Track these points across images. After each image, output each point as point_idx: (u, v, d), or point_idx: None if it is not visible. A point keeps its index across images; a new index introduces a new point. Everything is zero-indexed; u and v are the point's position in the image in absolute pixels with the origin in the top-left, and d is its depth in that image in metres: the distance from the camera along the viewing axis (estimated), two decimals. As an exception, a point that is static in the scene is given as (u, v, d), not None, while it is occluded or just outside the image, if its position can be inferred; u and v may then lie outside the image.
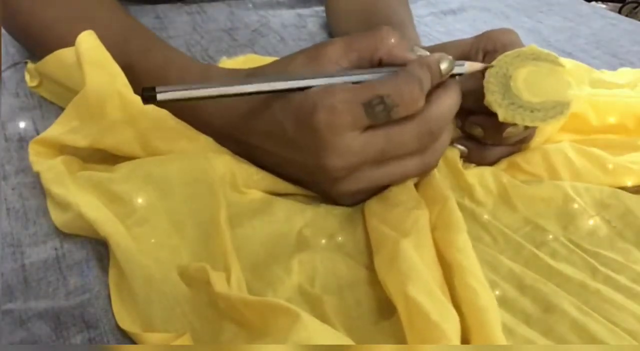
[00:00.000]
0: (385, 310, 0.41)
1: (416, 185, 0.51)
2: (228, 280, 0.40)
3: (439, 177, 0.51)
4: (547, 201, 0.52)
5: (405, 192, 0.49)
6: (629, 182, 0.55)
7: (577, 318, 0.41)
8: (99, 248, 0.45)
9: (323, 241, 0.46)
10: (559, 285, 0.44)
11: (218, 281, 0.39)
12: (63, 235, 0.46)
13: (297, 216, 0.48)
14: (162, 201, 0.46)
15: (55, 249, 0.45)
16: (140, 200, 0.45)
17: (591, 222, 0.50)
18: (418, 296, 0.37)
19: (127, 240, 0.42)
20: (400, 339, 0.38)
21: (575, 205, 0.51)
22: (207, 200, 0.46)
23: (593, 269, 0.46)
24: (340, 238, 0.47)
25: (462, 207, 0.51)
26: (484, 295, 0.39)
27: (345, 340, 0.35)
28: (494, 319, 0.37)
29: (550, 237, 0.49)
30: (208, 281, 0.39)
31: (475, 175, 0.54)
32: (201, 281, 0.39)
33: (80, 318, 0.40)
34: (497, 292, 0.43)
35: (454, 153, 0.55)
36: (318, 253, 0.45)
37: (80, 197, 0.45)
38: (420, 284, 0.38)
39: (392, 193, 0.49)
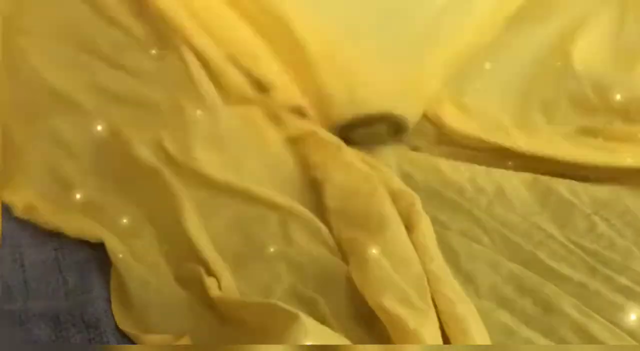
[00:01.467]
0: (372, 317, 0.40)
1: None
2: (219, 285, 0.40)
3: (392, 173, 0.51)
4: (543, 200, 0.52)
5: (359, 176, 0.49)
6: (629, 159, 0.55)
7: (577, 318, 0.41)
8: (99, 249, 0.45)
9: (305, 236, 0.46)
10: (559, 285, 0.44)
11: (212, 286, 0.39)
12: (63, 236, 0.46)
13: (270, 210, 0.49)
14: (146, 215, 0.47)
15: (55, 249, 0.45)
16: (125, 220, 0.46)
17: (589, 220, 0.50)
18: (393, 306, 0.37)
19: (122, 247, 0.43)
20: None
21: (572, 204, 0.51)
22: (169, 203, 0.46)
23: (592, 269, 0.46)
24: (323, 233, 0.47)
25: (457, 205, 0.52)
26: (461, 304, 0.39)
27: (342, 340, 0.35)
28: (473, 328, 0.37)
29: (548, 236, 0.49)
30: (203, 282, 0.39)
31: (466, 173, 0.54)
32: (197, 282, 0.40)
33: (80, 318, 0.40)
34: None
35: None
36: (305, 251, 0.45)
37: None
38: (394, 292, 0.38)
39: (350, 178, 0.49)
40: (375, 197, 0.46)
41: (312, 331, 0.34)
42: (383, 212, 0.44)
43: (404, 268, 0.40)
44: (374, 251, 0.41)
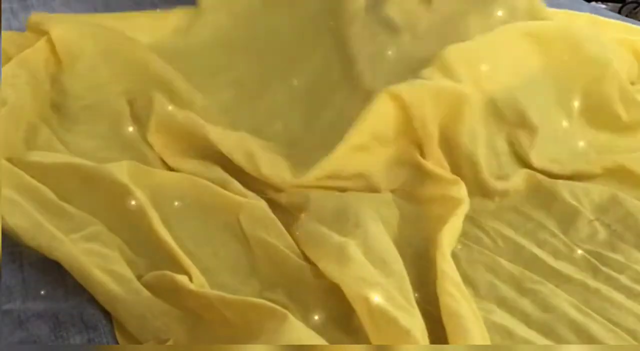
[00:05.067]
0: (346, 316, 0.40)
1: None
2: (190, 281, 0.40)
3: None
4: (547, 206, 0.52)
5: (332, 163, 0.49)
6: None
7: (576, 318, 0.41)
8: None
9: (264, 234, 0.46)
10: (559, 285, 0.44)
11: (185, 282, 0.39)
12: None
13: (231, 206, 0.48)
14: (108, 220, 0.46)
15: (55, 249, 0.45)
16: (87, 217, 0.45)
17: (591, 226, 0.50)
18: (380, 302, 0.37)
19: (76, 252, 0.42)
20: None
21: (575, 210, 0.51)
22: (135, 210, 0.45)
23: (594, 269, 0.46)
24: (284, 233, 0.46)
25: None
26: (464, 303, 0.39)
27: (324, 342, 0.35)
28: (473, 328, 0.37)
29: (552, 234, 0.49)
30: (173, 287, 0.39)
31: None
32: (167, 289, 0.39)
33: (79, 319, 0.40)
34: None
35: None
36: (271, 252, 0.44)
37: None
38: (379, 289, 0.38)
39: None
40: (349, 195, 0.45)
41: (302, 331, 0.34)
42: (359, 216, 0.44)
43: (383, 268, 0.40)
44: (353, 249, 0.40)
